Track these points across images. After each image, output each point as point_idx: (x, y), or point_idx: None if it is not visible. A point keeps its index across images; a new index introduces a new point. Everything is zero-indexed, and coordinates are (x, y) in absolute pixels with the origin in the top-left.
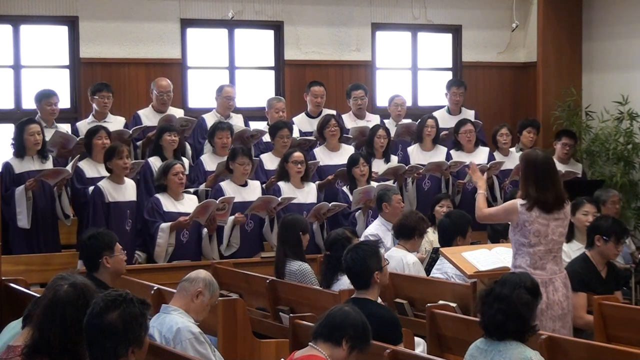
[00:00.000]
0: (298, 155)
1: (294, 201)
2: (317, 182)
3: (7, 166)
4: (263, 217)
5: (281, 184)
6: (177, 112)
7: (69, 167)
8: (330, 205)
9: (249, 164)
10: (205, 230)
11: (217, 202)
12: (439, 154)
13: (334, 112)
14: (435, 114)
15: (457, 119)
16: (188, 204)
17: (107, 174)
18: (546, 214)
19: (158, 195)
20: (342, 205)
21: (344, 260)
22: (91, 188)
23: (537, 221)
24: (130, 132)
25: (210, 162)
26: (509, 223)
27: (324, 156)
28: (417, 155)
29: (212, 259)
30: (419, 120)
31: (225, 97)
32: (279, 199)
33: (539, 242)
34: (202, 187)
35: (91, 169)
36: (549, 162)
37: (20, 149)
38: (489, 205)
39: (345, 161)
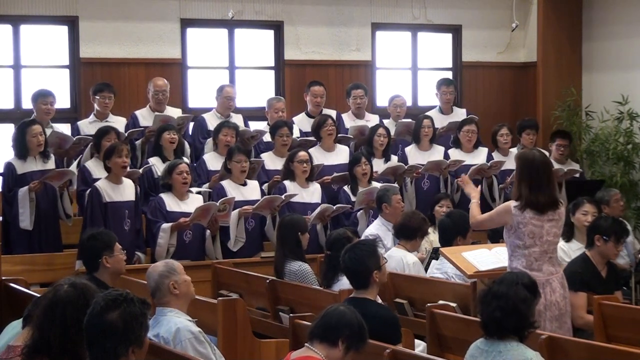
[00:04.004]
0: (303, 154)
1: (299, 200)
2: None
3: (10, 167)
4: (266, 215)
5: (287, 183)
6: (175, 112)
7: (72, 168)
8: (334, 207)
9: (246, 161)
10: (208, 230)
11: (218, 204)
12: (436, 153)
13: (333, 112)
14: (427, 114)
15: (450, 118)
16: (193, 203)
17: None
18: (539, 215)
19: (162, 195)
20: (346, 207)
21: (342, 260)
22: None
23: (530, 222)
24: (127, 134)
25: (213, 161)
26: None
27: (319, 156)
28: (415, 155)
29: (216, 259)
30: (415, 121)
31: (225, 97)
32: (282, 196)
33: (533, 243)
34: (205, 187)
35: (98, 169)
36: (545, 163)
37: (23, 150)
38: (489, 207)
39: (340, 161)
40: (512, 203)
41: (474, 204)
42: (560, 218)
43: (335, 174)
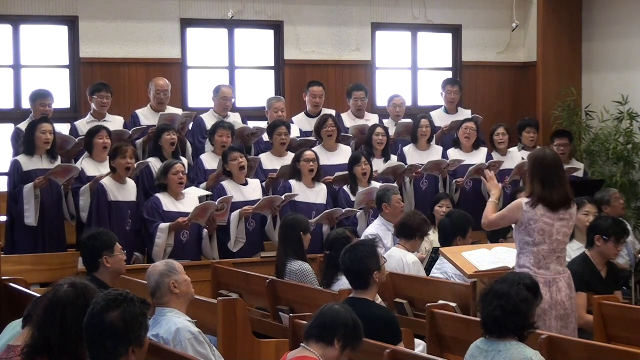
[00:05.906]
0: (310, 153)
1: (305, 200)
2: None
3: (16, 164)
4: (267, 215)
5: (293, 182)
6: (176, 112)
7: (78, 165)
8: (343, 210)
9: (242, 156)
10: (205, 230)
11: (216, 203)
12: (434, 153)
13: (333, 112)
14: (432, 113)
15: (454, 118)
16: (189, 203)
17: (107, 173)
18: (551, 212)
19: (158, 195)
20: (354, 211)
21: (342, 261)
22: (83, 188)
23: (542, 220)
24: (130, 132)
25: (210, 161)
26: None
27: (321, 156)
28: (413, 155)
29: (213, 259)
30: (413, 121)
31: (222, 97)
32: (283, 197)
33: (543, 241)
34: (202, 187)
35: (92, 168)
36: (556, 161)
37: (31, 147)
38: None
39: (342, 161)
40: (524, 200)
41: (491, 203)
42: (572, 218)
43: (337, 174)
